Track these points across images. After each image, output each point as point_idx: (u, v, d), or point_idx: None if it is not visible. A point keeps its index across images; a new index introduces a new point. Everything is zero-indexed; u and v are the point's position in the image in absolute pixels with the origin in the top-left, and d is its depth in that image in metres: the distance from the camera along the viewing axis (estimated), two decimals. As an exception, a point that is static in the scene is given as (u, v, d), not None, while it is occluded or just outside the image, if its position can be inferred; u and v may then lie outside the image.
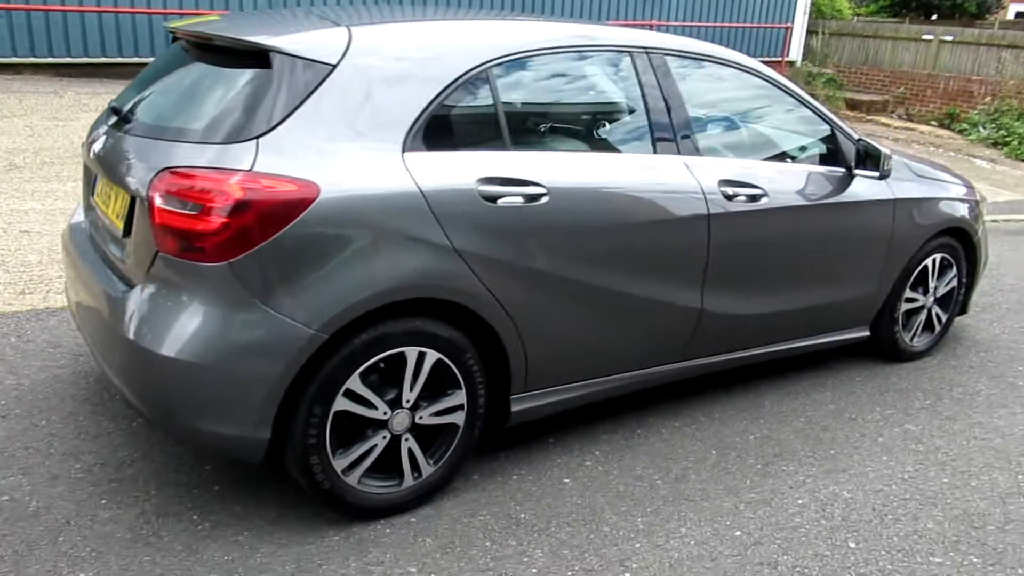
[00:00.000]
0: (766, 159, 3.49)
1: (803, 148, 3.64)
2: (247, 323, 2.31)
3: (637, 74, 3.04)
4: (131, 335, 2.36)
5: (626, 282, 2.97)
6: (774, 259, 3.42)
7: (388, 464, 2.65)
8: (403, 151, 2.49)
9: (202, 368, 2.31)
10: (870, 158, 3.54)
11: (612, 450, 3.19)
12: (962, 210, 4.13)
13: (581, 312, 2.90)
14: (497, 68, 2.72)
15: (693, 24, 13.65)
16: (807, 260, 3.54)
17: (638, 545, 2.63)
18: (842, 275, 3.70)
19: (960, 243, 4.21)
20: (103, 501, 2.66)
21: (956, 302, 4.33)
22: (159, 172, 2.34)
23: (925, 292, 4.16)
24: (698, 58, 3.29)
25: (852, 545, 2.71)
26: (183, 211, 2.28)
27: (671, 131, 3.08)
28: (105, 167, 2.67)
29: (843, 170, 3.59)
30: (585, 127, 3.07)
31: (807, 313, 3.65)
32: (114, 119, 2.75)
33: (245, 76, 2.47)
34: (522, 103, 2.84)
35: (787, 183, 3.40)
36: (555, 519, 2.74)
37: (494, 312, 2.66)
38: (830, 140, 3.64)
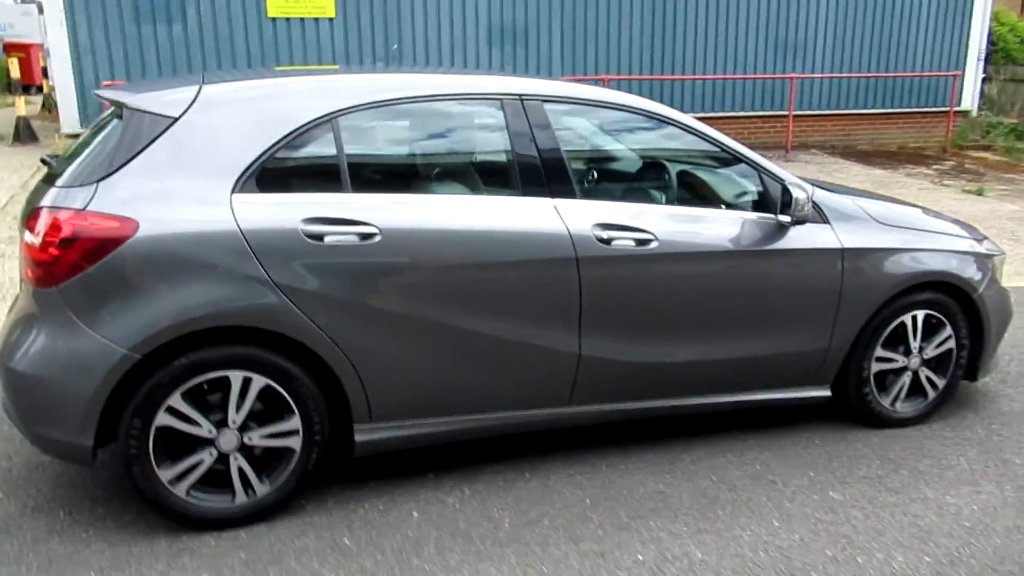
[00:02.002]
0: (671, 203, 3.40)
1: (718, 191, 3.49)
2: (71, 341, 2.64)
3: (507, 121, 3.12)
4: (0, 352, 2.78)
5: (479, 322, 3.01)
6: (676, 307, 3.29)
7: (223, 480, 2.86)
8: (232, 192, 2.75)
9: (35, 379, 2.67)
10: (789, 202, 3.33)
11: (484, 490, 3.20)
12: (953, 263, 3.72)
13: (426, 349, 2.98)
14: (344, 118, 2.93)
15: (842, 76, 13.00)
16: (722, 310, 3.36)
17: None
18: (774, 328, 3.47)
19: (955, 300, 3.78)
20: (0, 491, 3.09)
21: (957, 365, 3.87)
22: (33, 211, 2.77)
23: (907, 352, 3.77)
24: (593, 105, 3.31)
25: (662, 606, 2.56)
26: (33, 243, 2.68)
27: (541, 175, 3.11)
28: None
29: (761, 216, 3.40)
30: (439, 172, 3.19)
31: (731, 365, 3.45)
32: (45, 172, 3.24)
33: (112, 130, 2.86)
34: (368, 150, 3.02)
35: (687, 229, 3.28)
36: (373, 547, 2.82)
37: (321, 344, 2.83)
38: (756, 183, 3.47)
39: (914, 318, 3.72)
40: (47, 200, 2.72)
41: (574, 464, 3.42)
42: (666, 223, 3.25)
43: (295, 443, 2.90)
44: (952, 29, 13.53)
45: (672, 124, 3.40)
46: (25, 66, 11.66)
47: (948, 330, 3.80)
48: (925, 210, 4.08)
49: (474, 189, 3.15)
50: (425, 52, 11.39)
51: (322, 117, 2.90)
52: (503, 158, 3.15)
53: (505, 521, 3.00)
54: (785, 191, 3.32)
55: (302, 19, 10.78)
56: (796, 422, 3.83)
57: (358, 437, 3.00)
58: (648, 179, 3.53)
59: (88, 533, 2.85)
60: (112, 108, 3.04)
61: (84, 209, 2.65)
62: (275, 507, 2.95)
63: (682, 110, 12.23)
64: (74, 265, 2.62)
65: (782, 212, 3.34)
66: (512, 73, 3.58)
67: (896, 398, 3.80)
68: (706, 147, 3.47)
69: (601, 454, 3.50)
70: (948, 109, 13.40)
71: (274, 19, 10.68)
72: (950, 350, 3.83)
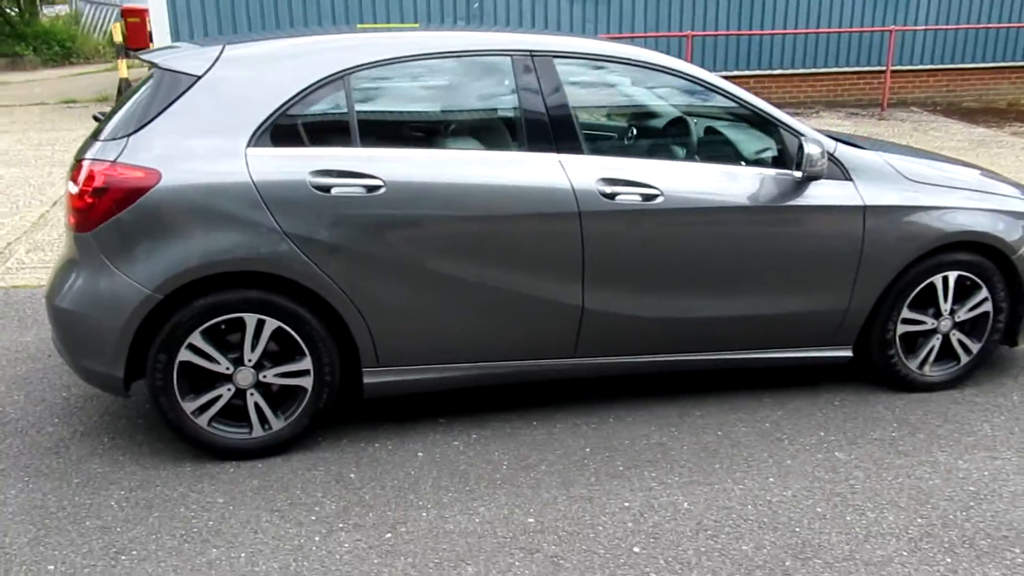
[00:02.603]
0: (683, 159, 3.39)
1: (737, 147, 3.46)
2: (103, 282, 2.91)
3: (515, 76, 3.18)
4: (47, 292, 3.08)
5: (483, 273, 3.12)
6: (683, 262, 3.31)
7: (242, 414, 3.10)
8: (248, 146, 2.95)
9: (75, 315, 2.96)
10: (803, 156, 3.27)
11: (490, 436, 3.34)
12: (988, 222, 3.57)
13: (430, 298, 3.12)
14: (355, 76, 3.06)
15: (947, 28, 12.24)
16: (732, 266, 3.35)
17: (425, 514, 2.82)
18: (788, 286, 3.44)
19: (993, 262, 3.64)
20: (55, 419, 3.43)
21: (994, 330, 3.73)
22: (76, 163, 3.04)
23: (937, 315, 3.66)
24: (606, 60, 3.32)
25: (636, 550, 2.64)
26: (73, 192, 2.95)
27: (548, 131, 3.17)
28: None
29: (777, 172, 3.36)
30: (446, 127, 3.28)
31: (741, 323, 3.45)
32: (95, 127, 3.52)
33: (146, 88, 3.10)
34: (377, 106, 3.15)
35: (695, 184, 3.28)
36: (375, 482, 3.01)
37: (329, 290, 3.01)
38: (775, 139, 3.42)
39: (945, 279, 3.60)
40: (88, 153, 2.98)
41: (582, 415, 3.51)
42: (674, 178, 3.26)
43: (307, 383, 3.11)
44: (1074, -25, 12.51)
45: (688, 79, 3.39)
46: (137, 30, 12.24)
47: (983, 292, 3.66)
48: (981, 171, 3.91)
49: (481, 144, 3.25)
50: (507, 9, 11.40)
51: (334, 74, 3.04)
52: (511, 114, 3.23)
53: (503, 464, 3.13)
54: (800, 147, 3.27)
55: (385, -21, 10.95)
56: (820, 383, 3.80)
57: (366, 380, 3.18)
58: (660, 135, 3.52)
59: (124, 457, 3.15)
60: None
61: (115, 161, 2.89)
62: (291, 441, 3.17)
63: (771, 66, 11.86)
64: (106, 212, 2.87)
65: (796, 168, 3.29)
66: (552, 31, 3.61)
67: (925, 361, 3.71)
68: (723, 103, 3.45)
69: (610, 406, 3.58)
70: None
71: (364, -24, 10.89)
72: (986, 313, 3.70)
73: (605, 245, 3.20)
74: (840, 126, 10.98)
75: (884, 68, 12.13)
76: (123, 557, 2.59)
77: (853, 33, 12.24)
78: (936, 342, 3.70)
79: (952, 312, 3.67)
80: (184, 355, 2.98)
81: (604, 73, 3.39)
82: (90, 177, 2.89)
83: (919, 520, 2.81)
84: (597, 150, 3.27)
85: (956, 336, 3.71)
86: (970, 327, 3.74)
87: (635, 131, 3.59)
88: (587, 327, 3.29)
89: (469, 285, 3.13)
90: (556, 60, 3.24)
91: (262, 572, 2.53)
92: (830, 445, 3.29)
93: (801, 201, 3.37)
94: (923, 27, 12.33)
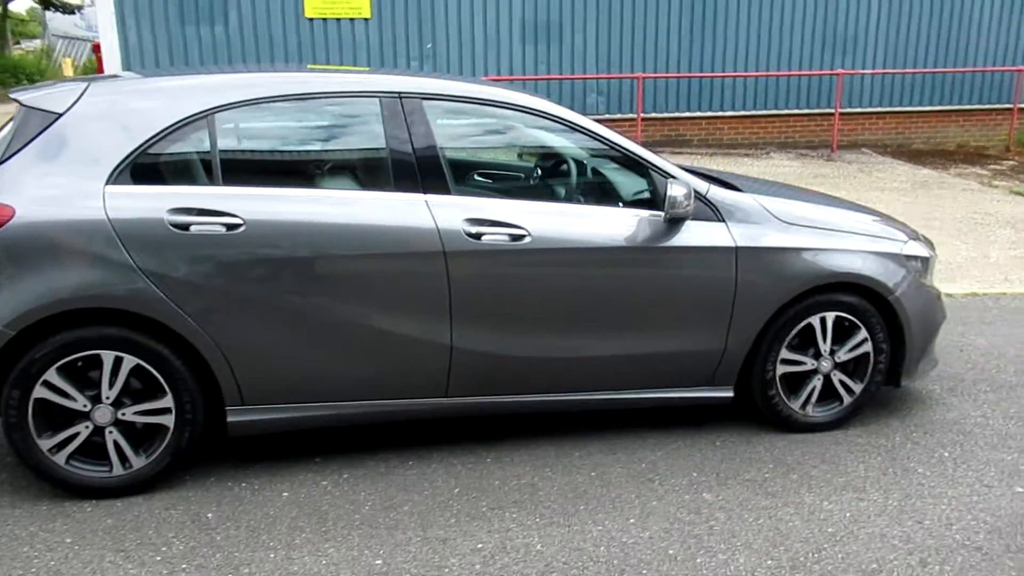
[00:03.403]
0: (563, 201, 3.43)
1: (615, 188, 3.50)
2: (-46, 317, 2.89)
3: (383, 118, 3.22)
4: None
5: (348, 312, 3.13)
6: (553, 302, 3.33)
7: (102, 452, 3.07)
8: (106, 184, 2.95)
9: (-70, 351, 2.94)
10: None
11: (362, 475, 3.32)
12: (863, 264, 3.62)
13: (295, 337, 3.11)
14: (220, 115, 3.09)
15: (895, 72, 12.50)
16: (601, 306, 3.38)
17: (273, 555, 2.79)
18: (659, 326, 3.46)
19: (871, 303, 3.68)
20: (-78, 457, 3.38)
21: (875, 371, 3.77)
22: None
23: (817, 355, 3.69)
24: (477, 102, 3.37)
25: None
26: (-69, 227, 2.94)
27: (415, 171, 3.20)
28: None
29: (642, 213, 3.40)
30: (313, 167, 3.31)
31: (618, 363, 3.46)
32: None
33: (9, 125, 3.11)
34: (241, 146, 3.18)
35: (563, 225, 3.31)
36: (231, 522, 2.97)
37: (188, 328, 3.00)
38: (647, 181, 3.47)
39: (823, 320, 3.65)
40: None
41: (459, 454, 3.50)
42: (541, 219, 3.29)
43: (168, 421, 3.08)
44: (1017, 21, 12.85)
45: (557, 121, 3.43)
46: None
47: (863, 333, 3.70)
48: (857, 207, 3.98)
49: (348, 184, 3.27)
50: (459, 51, 11.56)
51: (197, 114, 3.07)
52: (379, 154, 3.26)
53: (367, 505, 3.11)
54: (665, 189, 3.32)
55: (338, 19, 11.11)
56: (705, 423, 3.81)
57: (230, 418, 3.16)
58: (531, 176, 3.56)
59: (-18, 496, 3.11)
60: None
61: (-43, 198, 2.89)
62: (153, 480, 3.14)
63: (722, 108, 12.08)
64: (-41, 246, 2.86)
65: (660, 209, 3.33)
66: (440, 74, 3.65)
67: (807, 402, 3.74)
68: (595, 144, 3.49)
69: (491, 446, 3.57)
70: (1012, 106, 12.75)
71: (311, 19, 11.04)
72: (866, 354, 3.74)
73: (472, 285, 3.22)
74: (788, 167, 11.16)
75: (833, 111, 12.36)
76: (-50, 599, 2.55)
77: (803, 76, 12.49)
78: (817, 383, 3.73)
79: (832, 353, 3.71)
80: (39, 392, 2.95)
81: (476, 115, 3.44)
82: (-63, 213, 2.89)
83: (768, 562, 2.80)
84: (465, 191, 3.31)
85: (837, 376, 3.75)
86: (852, 368, 3.77)
87: (506, 172, 3.64)
88: (458, 366, 3.29)
89: (334, 324, 3.14)
90: (425, 102, 3.28)
91: (90, 615, 2.50)
92: (700, 486, 3.29)
93: (671, 242, 3.41)
94: (870, 71, 12.61)
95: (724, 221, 3.49)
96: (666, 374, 3.57)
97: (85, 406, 3.00)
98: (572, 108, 3.54)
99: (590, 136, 3.46)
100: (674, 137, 12.34)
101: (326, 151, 3.37)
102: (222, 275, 3.01)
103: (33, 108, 3.03)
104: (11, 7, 21.46)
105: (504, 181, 3.59)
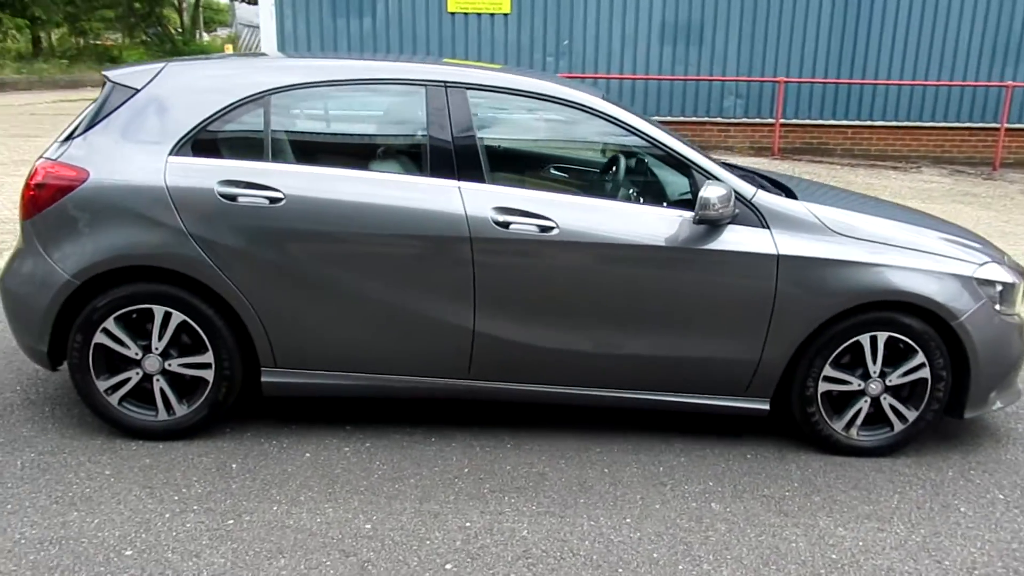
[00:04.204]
0: (604, 197, 3.44)
1: (662, 187, 3.46)
2: (36, 266, 3.27)
3: (427, 105, 3.34)
4: (1, 275, 3.48)
5: (376, 287, 3.28)
6: (578, 295, 3.33)
7: (151, 398, 3.39)
8: (169, 155, 3.25)
9: (15, 295, 3.35)
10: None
11: (384, 446, 3.46)
12: (923, 284, 3.38)
13: (326, 307, 3.30)
14: (276, 96, 3.32)
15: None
16: (629, 304, 3.35)
17: (276, 508, 2.98)
18: (688, 330, 3.38)
19: (932, 326, 3.44)
20: (17, 387, 3.84)
21: (933, 399, 3.51)
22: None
23: (865, 376, 3.49)
24: (523, 95, 3.42)
25: (448, 567, 2.70)
26: (23, 186, 3.35)
27: (451, 158, 3.30)
28: None
29: (677, 213, 3.33)
30: (356, 149, 3.46)
31: (643, 363, 3.42)
32: None
33: (98, 98, 3.47)
34: (292, 126, 3.38)
35: (594, 219, 3.31)
36: (249, 475, 3.20)
37: (228, 291, 3.25)
38: (690, 181, 3.41)
39: (873, 339, 3.44)
40: (45, 153, 3.38)
41: (482, 437, 3.58)
42: (572, 212, 3.30)
43: (208, 375, 3.36)
44: None
45: (606, 118, 3.42)
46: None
47: (919, 357, 3.46)
48: (937, 225, 3.72)
49: (387, 166, 3.42)
50: (596, 48, 11.58)
51: (256, 94, 3.31)
52: (418, 140, 3.38)
53: (376, 474, 3.26)
54: (710, 188, 3.23)
55: (479, 14, 11.40)
56: (744, 435, 3.70)
57: (264, 378, 3.40)
58: (569, 169, 3.56)
59: (53, 425, 3.50)
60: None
61: (56, 160, 3.27)
62: (193, 428, 3.42)
63: (871, 117, 11.44)
64: (42, 203, 3.24)
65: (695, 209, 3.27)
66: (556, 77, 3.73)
67: (851, 424, 3.54)
68: (639, 142, 3.46)
69: (515, 432, 3.63)
70: None
71: (453, 14, 11.39)
72: (924, 380, 3.50)
73: (496, 272, 3.28)
74: (937, 183, 10.43)
75: (999, 126, 11.41)
76: (-3, 508, 2.91)
77: (965, 87, 11.60)
78: (864, 405, 3.53)
79: (883, 375, 3.49)
80: (99, 338, 3.29)
81: (520, 107, 3.49)
82: (35, 173, 3.28)
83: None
84: (500, 180, 3.37)
85: (888, 401, 3.53)
86: (907, 393, 3.54)
87: (546, 164, 3.66)
88: (479, 350, 3.37)
89: (363, 298, 3.30)
90: (470, 92, 3.37)
91: (103, 537, 2.77)
92: (712, 496, 3.21)
93: (708, 245, 3.33)
94: (1046, 84, 11.53)
95: (768, 228, 3.37)
96: (696, 380, 3.49)
97: (137, 354, 3.32)
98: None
99: (635, 133, 3.43)
100: (815, 145, 11.80)
101: (371, 134, 3.54)
102: (263, 244, 3.24)
103: (118, 84, 3.38)
104: (206, -3, 23.60)
105: (542, 173, 3.62)
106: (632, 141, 3.49)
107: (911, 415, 3.54)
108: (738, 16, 11.42)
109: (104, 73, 3.51)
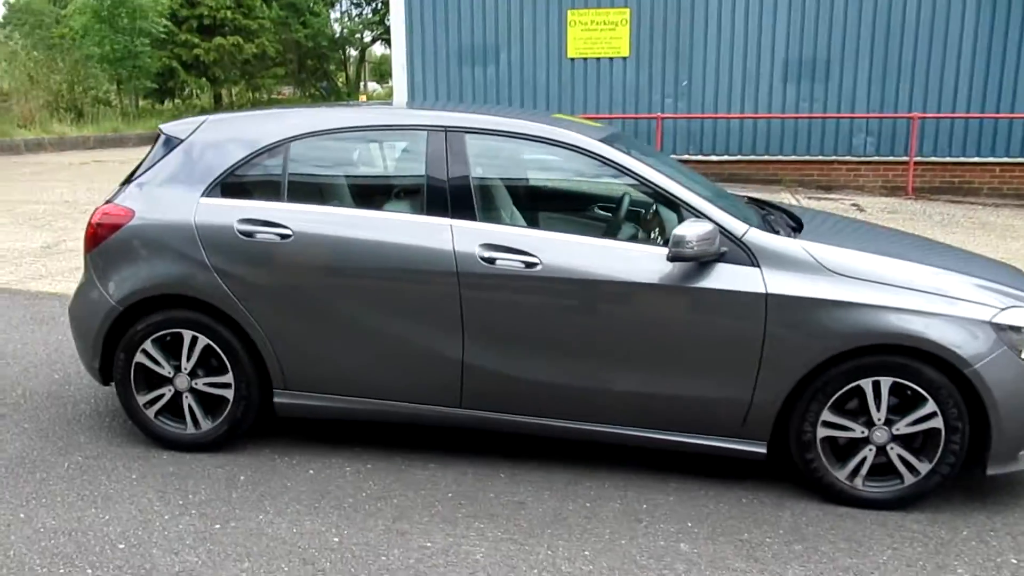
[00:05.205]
0: (587, 233, 3.51)
1: (657, 225, 3.48)
2: (91, 293, 3.77)
3: (427, 149, 3.57)
4: (71, 302, 4.02)
5: (374, 318, 3.52)
6: (563, 330, 3.41)
7: (182, 412, 3.78)
8: (201, 196, 3.67)
9: (77, 319, 3.86)
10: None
11: (383, 468, 3.66)
12: (934, 328, 3.19)
13: (329, 335, 3.57)
14: (294, 143, 3.67)
15: None
16: (613, 339, 3.38)
17: (261, 516, 3.24)
18: (678, 367, 3.36)
19: (944, 373, 3.24)
20: (91, 399, 4.38)
21: (947, 451, 3.28)
22: None
23: (869, 423, 3.32)
24: (520, 138, 3.57)
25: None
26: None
27: (446, 198, 3.51)
28: None
29: (663, 250, 3.34)
30: (361, 190, 3.72)
31: (631, 399, 3.43)
32: None
33: (153, 147, 3.96)
34: (306, 169, 3.70)
35: (577, 256, 3.38)
36: (253, 487, 3.49)
37: (244, 319, 3.60)
38: (678, 217, 3.42)
39: (876, 384, 3.28)
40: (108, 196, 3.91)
41: (479, 465, 3.70)
42: (556, 248, 3.40)
43: (229, 394, 3.70)
44: None
45: (598, 159, 3.50)
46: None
47: (930, 406, 3.26)
48: (974, 264, 3.49)
49: (388, 206, 3.66)
50: (716, 88, 11.47)
51: (277, 142, 3.67)
52: (417, 181, 3.61)
53: (364, 493, 3.46)
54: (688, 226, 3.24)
55: (598, 59, 11.62)
56: (747, 479, 3.60)
57: (276, 399, 3.70)
58: (560, 208, 3.64)
59: (103, 434, 3.97)
60: None
61: (111, 201, 3.77)
62: (218, 442, 3.77)
63: (1021, 155, 10.55)
64: (99, 239, 3.74)
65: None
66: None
67: (855, 473, 3.37)
68: (631, 181, 3.51)
69: (513, 462, 3.72)
70: None
71: (573, 59, 11.67)
72: (937, 430, 3.28)
73: (483, 306, 3.43)
74: (1092, 224, 9.46)
75: None
76: (33, 500, 3.35)
77: None
78: (869, 453, 3.35)
79: (889, 422, 3.31)
80: (139, 357, 3.73)
81: (513, 149, 3.65)
82: (96, 212, 3.79)
83: (690, 621, 2.66)
84: (490, 219, 3.52)
85: (896, 451, 3.33)
86: (921, 444, 3.34)
87: (538, 203, 3.76)
88: (469, 381, 3.52)
89: (362, 328, 3.54)
90: (468, 136, 3.57)
91: (109, 532, 3.13)
92: (685, 536, 3.16)
93: (693, 283, 3.31)
94: None
95: (759, 266, 3.32)
96: (688, 419, 3.46)
97: (169, 373, 3.73)
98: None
99: (626, 173, 3.49)
100: (957, 184, 11.03)
101: (377, 176, 3.81)
102: (274, 277, 3.57)
103: (167, 135, 3.85)
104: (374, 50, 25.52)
105: (535, 212, 3.73)
106: (624, 180, 3.55)
107: (923, 467, 3.32)
108: (868, 51, 10.96)
109: (159, 126, 4.00)
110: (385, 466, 3.69)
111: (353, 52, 28.82)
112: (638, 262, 3.38)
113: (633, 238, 3.60)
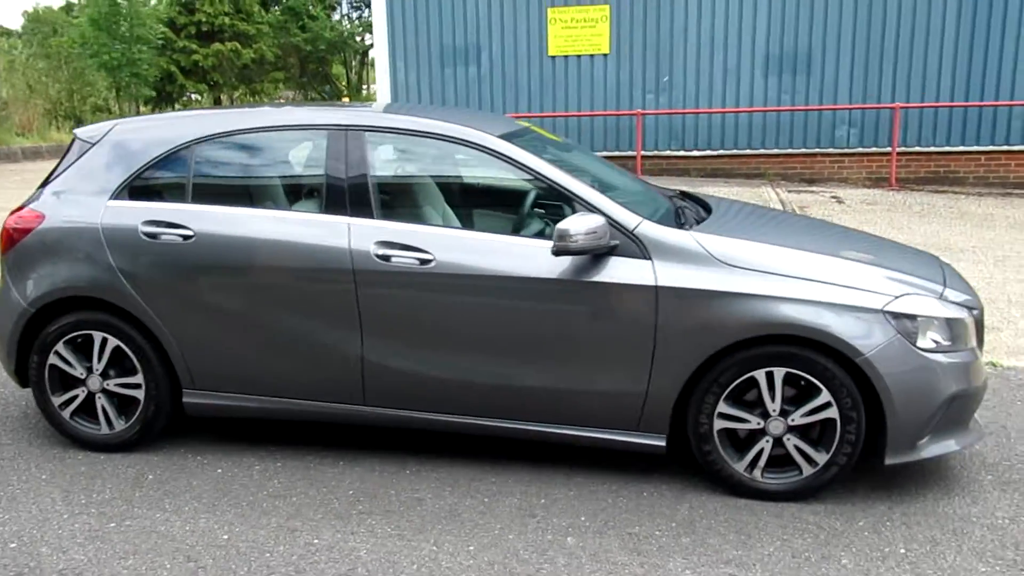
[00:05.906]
0: (481, 229, 3.52)
1: (532, 218, 3.48)
2: (6, 296, 3.82)
3: (327, 148, 3.59)
4: None
5: (275, 317, 3.54)
6: (458, 326, 3.41)
7: (96, 413, 3.83)
8: (109, 199, 3.71)
9: (-3, 321, 3.93)
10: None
11: (290, 467, 3.68)
12: (824, 317, 3.16)
13: (231, 334, 3.60)
14: (199, 145, 3.70)
15: None
16: (506, 334, 3.38)
17: (158, 514, 3.28)
18: (573, 361, 3.36)
19: (837, 362, 3.21)
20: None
21: (843, 441, 3.25)
22: None
23: (765, 414, 3.30)
24: (420, 135, 3.58)
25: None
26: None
27: (344, 196, 3.52)
28: None
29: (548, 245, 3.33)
30: (262, 190, 3.74)
31: (525, 393, 3.43)
32: None
33: (67, 152, 4.01)
34: (210, 171, 3.72)
35: (470, 251, 3.38)
36: (158, 486, 3.52)
37: (150, 319, 3.63)
38: (572, 211, 3.41)
39: (769, 375, 3.26)
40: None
41: (390, 462, 3.71)
42: (449, 245, 3.41)
43: (140, 395, 3.75)
44: None
45: (493, 155, 3.49)
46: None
47: (824, 396, 3.23)
48: (884, 252, 3.47)
49: (287, 205, 3.69)
50: (696, 83, 11.41)
51: (183, 144, 3.71)
52: (317, 180, 3.63)
53: (265, 491, 3.48)
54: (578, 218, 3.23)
55: (579, 56, 11.59)
56: (658, 474, 3.58)
57: (185, 399, 3.74)
58: (456, 204, 3.64)
59: (25, 435, 4.02)
60: None
61: (24, 205, 3.82)
62: (132, 442, 3.81)
63: (1007, 142, 10.43)
64: (11, 242, 3.80)
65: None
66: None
67: (753, 465, 3.35)
68: (526, 175, 3.50)
69: (423, 460, 3.72)
70: None
71: (554, 57, 11.66)
72: (832, 420, 3.25)
73: (379, 302, 3.44)
74: (1076, 212, 9.31)
75: None
76: (-62, 502, 3.41)
77: (1123, 104, 10.32)
78: (766, 445, 3.33)
79: (784, 413, 3.29)
80: (52, 359, 3.78)
81: (417, 147, 3.66)
82: (10, 216, 3.85)
83: (554, 614, 2.66)
84: (387, 216, 3.53)
85: (792, 442, 3.31)
86: (818, 435, 3.31)
87: (437, 199, 3.77)
88: (371, 378, 3.53)
89: (264, 327, 3.57)
90: (368, 135, 3.59)
91: (3, 532, 3.18)
92: (574, 530, 3.16)
93: (584, 276, 3.31)
94: None
95: (650, 258, 3.31)
96: (587, 413, 3.45)
97: (82, 374, 3.77)
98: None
99: (521, 168, 3.48)
100: (943, 174, 10.90)
101: (279, 176, 3.82)
102: (177, 278, 3.60)
103: (80, 139, 3.90)
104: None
105: (434, 208, 3.74)
106: (520, 175, 3.54)
107: (821, 458, 3.30)
108: (849, 41, 10.86)
109: (73, 131, 4.05)
110: (295, 465, 3.72)
111: (356, 54, 28.95)
112: (531, 258, 3.38)
113: (540, 234, 3.59)
